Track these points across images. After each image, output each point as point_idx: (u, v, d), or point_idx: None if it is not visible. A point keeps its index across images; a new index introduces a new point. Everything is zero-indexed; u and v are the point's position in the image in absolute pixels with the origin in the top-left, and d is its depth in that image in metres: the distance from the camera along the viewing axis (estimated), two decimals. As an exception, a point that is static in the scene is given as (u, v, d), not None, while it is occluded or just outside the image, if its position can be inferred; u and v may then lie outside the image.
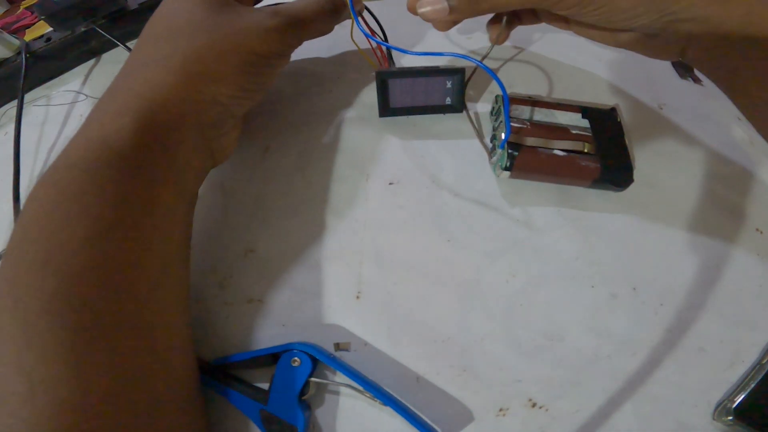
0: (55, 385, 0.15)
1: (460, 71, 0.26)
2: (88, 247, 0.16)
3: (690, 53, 0.24)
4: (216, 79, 0.20)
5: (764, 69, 0.22)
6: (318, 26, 0.25)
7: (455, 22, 0.26)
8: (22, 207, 0.17)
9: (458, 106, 0.28)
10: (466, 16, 0.24)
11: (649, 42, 0.25)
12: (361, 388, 0.20)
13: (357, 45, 0.31)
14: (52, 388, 0.14)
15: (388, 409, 0.20)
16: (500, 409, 0.21)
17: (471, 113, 0.30)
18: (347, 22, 0.30)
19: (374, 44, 0.30)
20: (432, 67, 0.27)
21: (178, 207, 0.20)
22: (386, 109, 0.28)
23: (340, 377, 0.21)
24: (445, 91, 0.28)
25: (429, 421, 0.20)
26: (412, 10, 0.26)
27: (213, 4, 0.21)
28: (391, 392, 0.21)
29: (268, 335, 0.23)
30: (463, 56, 0.26)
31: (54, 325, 0.15)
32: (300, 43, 0.24)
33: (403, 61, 0.33)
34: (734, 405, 0.20)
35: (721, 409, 0.21)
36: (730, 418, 0.20)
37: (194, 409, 0.19)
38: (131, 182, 0.18)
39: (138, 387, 0.16)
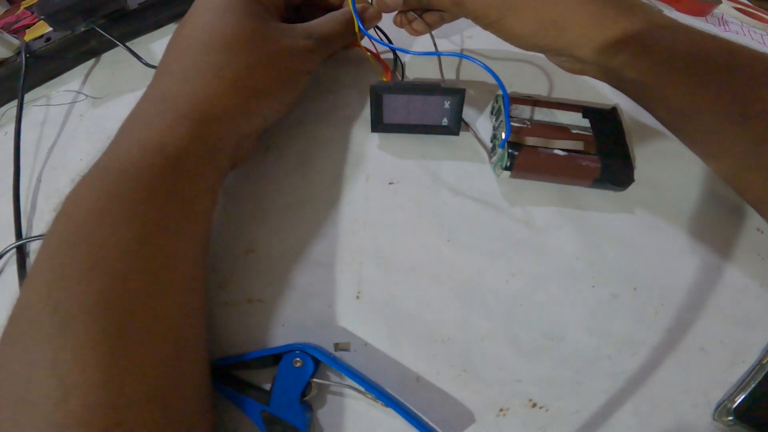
0: (88, 388, 0.15)
1: (460, 92, 0.25)
2: (134, 252, 0.16)
3: (590, 73, 0.27)
4: (264, 93, 0.22)
5: (658, 81, 0.23)
6: (341, 44, 0.27)
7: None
8: (60, 206, 0.17)
9: (455, 128, 0.27)
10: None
11: (555, 58, 0.28)
12: (362, 389, 0.20)
13: (363, 49, 0.31)
14: (86, 392, 0.14)
15: (390, 410, 0.20)
16: (500, 409, 0.21)
17: (472, 112, 0.30)
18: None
19: (373, 41, 0.30)
20: (431, 84, 0.27)
21: (210, 212, 0.21)
22: (379, 124, 0.27)
23: (342, 378, 0.21)
24: (442, 112, 0.27)
25: (430, 422, 0.20)
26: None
27: (256, 18, 0.22)
28: (392, 392, 0.21)
29: (267, 335, 0.23)
30: (464, 56, 0.26)
31: (93, 329, 0.15)
32: (321, 61, 0.26)
33: (406, 64, 0.33)
34: (734, 405, 0.20)
35: (721, 410, 0.21)
36: (731, 418, 0.20)
37: (210, 411, 0.19)
38: (181, 190, 0.18)
39: (168, 390, 0.17)
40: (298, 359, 0.20)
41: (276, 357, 0.21)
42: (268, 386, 0.21)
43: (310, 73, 0.25)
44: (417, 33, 0.31)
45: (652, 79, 0.24)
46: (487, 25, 0.27)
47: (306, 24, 0.25)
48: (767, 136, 0.21)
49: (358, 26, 0.28)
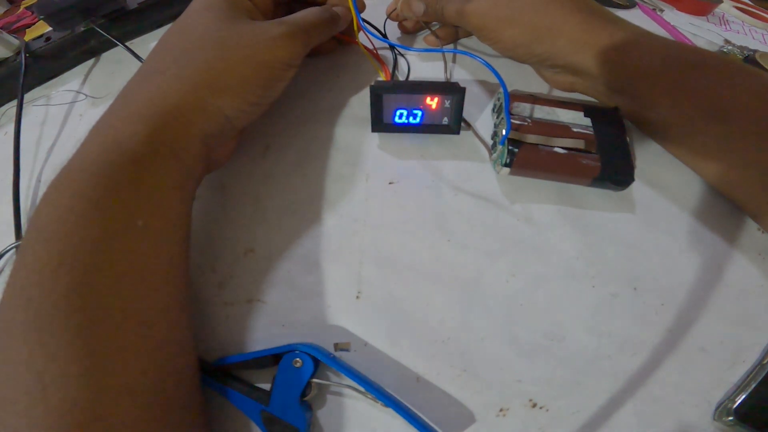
0: (66, 384, 0.15)
1: (461, 91, 0.25)
2: (102, 248, 0.17)
3: (579, 87, 0.29)
4: (222, 91, 0.21)
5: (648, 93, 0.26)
6: (320, 33, 0.26)
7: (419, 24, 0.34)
8: (34, 208, 0.18)
9: (455, 127, 0.27)
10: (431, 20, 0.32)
11: (548, 71, 0.30)
12: (362, 389, 0.20)
13: (361, 46, 0.31)
14: (64, 387, 0.15)
15: (390, 410, 0.20)
16: (500, 410, 0.21)
17: (473, 111, 0.30)
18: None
19: (371, 37, 0.30)
20: (431, 83, 0.27)
21: (182, 211, 0.21)
22: (379, 124, 0.27)
23: (342, 378, 0.21)
24: (443, 111, 0.27)
25: (430, 423, 0.20)
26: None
27: (227, 18, 0.22)
28: (391, 392, 0.21)
29: (267, 335, 0.23)
30: (465, 53, 0.26)
31: (66, 324, 0.15)
32: (305, 51, 0.25)
33: (404, 63, 0.33)
34: (735, 405, 0.20)
35: (721, 410, 0.21)
36: (731, 418, 0.20)
37: (198, 408, 0.20)
38: (143, 186, 0.18)
39: (147, 386, 0.17)
40: (297, 359, 0.20)
41: (276, 357, 0.21)
42: (267, 386, 0.21)
43: (287, 67, 0.24)
44: (432, 44, 0.34)
45: (639, 82, 0.26)
46: (485, 36, 0.29)
47: (283, 17, 0.25)
48: (748, 133, 0.23)
49: (358, 22, 0.28)
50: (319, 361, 0.20)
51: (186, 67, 0.21)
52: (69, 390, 0.15)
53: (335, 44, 0.33)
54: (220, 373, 0.21)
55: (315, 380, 0.20)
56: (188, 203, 0.21)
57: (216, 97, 0.21)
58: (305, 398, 0.20)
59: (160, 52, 0.22)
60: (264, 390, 0.21)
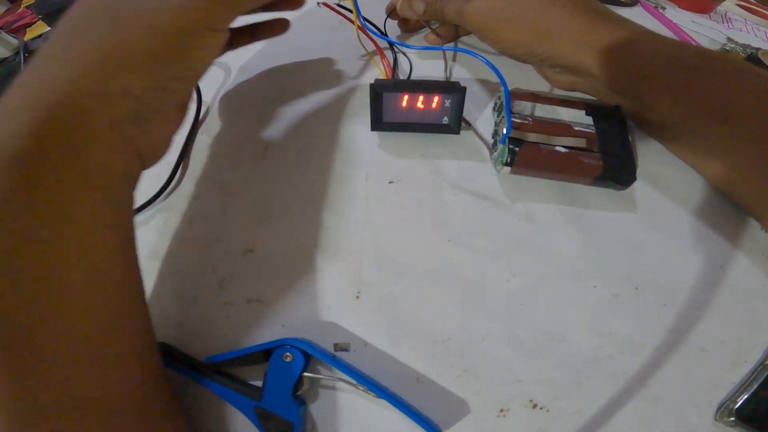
0: (4, 403, 0.15)
1: (461, 90, 0.25)
2: (4, 265, 0.15)
3: (580, 86, 0.29)
4: (124, 69, 0.17)
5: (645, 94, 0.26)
6: None
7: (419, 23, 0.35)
8: None
9: (455, 127, 0.27)
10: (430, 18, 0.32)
11: (548, 71, 0.30)
12: (353, 381, 0.20)
13: (364, 47, 0.31)
14: (4, 406, 0.15)
15: (383, 402, 0.20)
16: (501, 410, 0.21)
17: (473, 110, 0.30)
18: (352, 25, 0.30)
19: (371, 35, 0.30)
20: (431, 82, 0.27)
21: (103, 214, 0.18)
22: (379, 122, 0.27)
23: (334, 372, 0.21)
24: (443, 110, 0.26)
25: (421, 412, 0.20)
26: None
27: None
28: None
29: (267, 335, 0.23)
30: (466, 51, 0.26)
31: None
32: (228, 13, 0.20)
33: (405, 62, 0.33)
34: (736, 406, 0.20)
35: (723, 410, 0.20)
36: (732, 419, 0.20)
37: (162, 415, 0.19)
38: (38, 190, 0.16)
39: (91, 397, 0.16)
40: (288, 354, 0.20)
41: (267, 353, 0.21)
42: (260, 383, 0.21)
43: (205, 32, 0.19)
44: (433, 42, 0.34)
45: (640, 82, 0.25)
46: (485, 36, 0.29)
47: None
48: (749, 133, 0.23)
49: (358, 18, 0.28)
50: (310, 355, 0.20)
51: (73, 49, 0.17)
52: (9, 409, 0.15)
53: (286, 23, 0.29)
54: (213, 372, 0.21)
55: (306, 374, 0.20)
56: (112, 205, 0.18)
57: (116, 76, 0.17)
58: (298, 393, 0.20)
59: (50, 39, 0.19)
60: (257, 386, 0.21)
